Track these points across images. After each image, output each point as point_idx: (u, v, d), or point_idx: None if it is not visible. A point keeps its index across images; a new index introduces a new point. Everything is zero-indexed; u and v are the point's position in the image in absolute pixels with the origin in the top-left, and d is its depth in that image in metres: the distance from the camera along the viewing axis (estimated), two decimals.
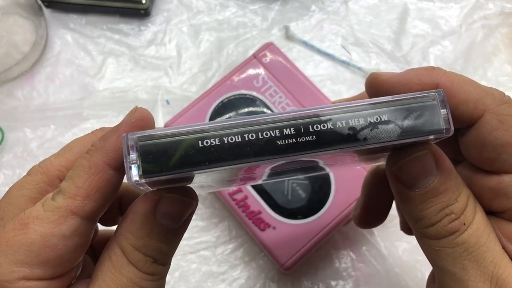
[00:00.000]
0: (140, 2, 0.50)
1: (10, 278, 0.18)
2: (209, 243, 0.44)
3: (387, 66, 0.50)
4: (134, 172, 0.17)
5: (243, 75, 0.44)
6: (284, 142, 0.18)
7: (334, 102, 0.28)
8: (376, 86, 0.21)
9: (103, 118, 0.49)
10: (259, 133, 0.18)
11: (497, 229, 0.20)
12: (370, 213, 0.30)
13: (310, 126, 0.18)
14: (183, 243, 0.44)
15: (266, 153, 0.18)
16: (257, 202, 0.40)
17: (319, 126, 0.18)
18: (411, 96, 0.19)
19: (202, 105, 0.43)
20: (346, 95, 0.49)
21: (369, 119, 0.18)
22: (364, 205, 0.30)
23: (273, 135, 0.18)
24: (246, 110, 0.43)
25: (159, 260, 0.20)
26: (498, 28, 0.51)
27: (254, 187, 0.40)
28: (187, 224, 0.21)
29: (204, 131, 0.17)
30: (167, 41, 0.52)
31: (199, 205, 0.45)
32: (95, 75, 0.51)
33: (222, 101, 0.43)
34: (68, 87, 0.50)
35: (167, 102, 0.49)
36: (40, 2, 0.51)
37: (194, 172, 0.18)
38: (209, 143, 0.17)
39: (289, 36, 0.51)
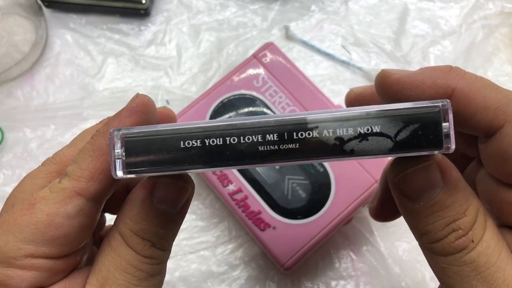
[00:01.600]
0: (140, 2, 0.50)
1: (17, 255, 0.19)
2: (209, 243, 0.44)
3: (387, 66, 0.50)
4: (118, 167, 0.18)
5: (243, 75, 0.44)
6: (265, 149, 0.17)
7: (350, 90, 0.26)
8: (386, 86, 0.20)
9: (103, 118, 0.49)
10: (241, 137, 0.17)
11: None
12: (387, 206, 0.28)
13: (294, 133, 0.17)
14: (183, 243, 0.44)
15: (246, 158, 0.17)
16: (257, 202, 0.40)
17: (304, 133, 0.17)
18: (410, 106, 0.17)
19: (202, 105, 0.43)
20: None
21: (359, 129, 0.16)
22: (382, 197, 0.28)
23: (255, 140, 0.17)
24: (246, 110, 0.43)
25: (158, 244, 0.21)
26: (498, 28, 0.50)
27: (254, 187, 0.40)
28: (185, 211, 0.22)
29: (186, 131, 0.17)
30: (167, 41, 0.52)
31: (199, 205, 0.45)
32: (95, 75, 0.51)
33: (222, 101, 0.43)
34: (68, 87, 0.50)
35: (167, 102, 0.49)
36: (40, 2, 0.51)
37: (174, 171, 0.18)
38: (190, 144, 0.17)
39: (289, 36, 0.51)
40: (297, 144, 0.17)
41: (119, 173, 0.18)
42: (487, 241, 0.18)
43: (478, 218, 0.19)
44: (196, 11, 0.53)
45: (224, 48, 0.51)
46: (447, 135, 0.16)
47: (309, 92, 0.43)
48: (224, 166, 0.17)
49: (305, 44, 0.51)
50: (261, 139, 0.17)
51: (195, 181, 0.45)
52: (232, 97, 0.43)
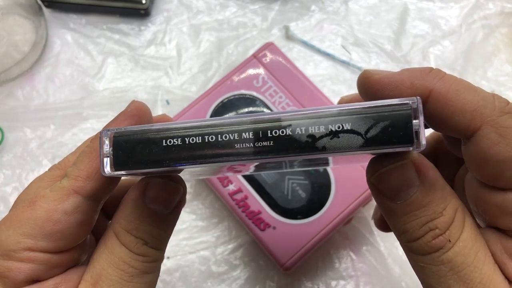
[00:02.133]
0: (140, 2, 0.50)
1: (16, 248, 0.20)
2: (209, 243, 0.44)
3: (387, 66, 0.50)
4: (106, 165, 0.19)
5: (243, 75, 0.44)
6: (241, 146, 0.17)
7: (341, 99, 0.27)
8: (367, 86, 0.20)
9: (103, 118, 0.49)
10: (219, 136, 0.18)
11: (500, 244, 0.19)
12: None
13: (268, 131, 0.17)
14: (183, 243, 0.44)
15: (223, 156, 0.18)
16: (257, 202, 0.40)
17: (277, 131, 0.17)
18: (381, 104, 0.17)
19: (202, 105, 0.43)
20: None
21: (330, 127, 0.17)
22: None
23: (232, 138, 0.18)
24: (246, 110, 0.43)
25: (150, 243, 0.22)
26: (498, 28, 0.51)
27: (254, 187, 0.40)
28: (177, 212, 0.23)
29: (168, 130, 0.18)
30: (167, 41, 0.52)
31: (199, 205, 0.45)
32: (95, 75, 0.51)
33: (222, 101, 0.43)
34: (68, 87, 0.50)
35: (167, 102, 0.49)
36: (40, 2, 0.51)
37: (159, 169, 0.18)
38: (172, 143, 0.18)
39: (289, 36, 0.51)
40: (271, 142, 0.17)
41: (107, 171, 0.19)
42: (464, 241, 0.18)
43: (456, 218, 0.19)
44: (196, 11, 0.53)
45: (224, 48, 0.51)
46: (418, 132, 0.17)
47: (309, 92, 0.43)
48: (203, 163, 0.18)
49: (305, 44, 0.51)
50: (237, 137, 0.18)
51: (195, 181, 0.45)
52: (232, 97, 0.43)
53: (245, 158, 0.18)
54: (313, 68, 0.50)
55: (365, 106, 0.17)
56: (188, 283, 0.43)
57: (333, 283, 0.42)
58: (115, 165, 0.19)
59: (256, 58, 0.44)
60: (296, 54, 0.51)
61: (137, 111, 0.21)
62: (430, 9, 0.52)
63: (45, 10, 0.53)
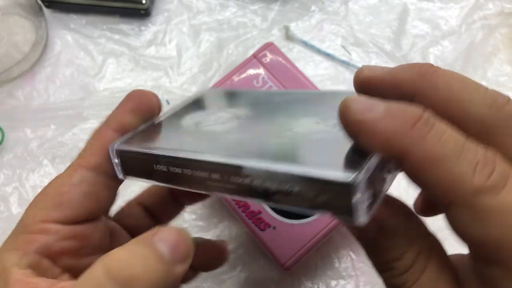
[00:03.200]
0: (140, 2, 0.50)
1: (32, 221, 0.22)
2: None
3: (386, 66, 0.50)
4: (119, 172, 0.24)
5: (243, 75, 0.44)
6: (211, 184, 0.20)
7: (361, 71, 0.27)
8: (358, 82, 0.21)
9: (104, 118, 0.49)
10: (194, 171, 0.20)
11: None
12: (431, 200, 0.26)
13: (231, 177, 0.19)
14: None
15: (198, 187, 0.21)
16: None
17: (239, 178, 0.19)
18: (324, 177, 0.16)
19: None
20: None
21: (282, 185, 0.18)
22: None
23: (203, 176, 0.20)
24: None
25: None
26: (498, 28, 0.51)
27: None
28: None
29: (157, 158, 0.22)
30: (167, 41, 0.52)
31: (199, 205, 0.45)
32: (95, 75, 0.51)
33: None
34: (68, 87, 0.50)
35: (167, 102, 0.49)
36: (40, 2, 0.51)
37: (157, 183, 0.22)
38: (160, 168, 0.22)
39: (289, 36, 0.51)
40: (235, 185, 0.19)
41: (120, 176, 0.23)
42: (421, 285, 0.19)
43: (416, 262, 0.19)
44: (196, 11, 0.53)
45: (224, 48, 0.51)
46: (357, 208, 0.16)
47: None
48: (184, 188, 0.21)
49: (305, 44, 0.51)
50: (208, 175, 0.20)
51: None
52: None
53: (214, 193, 0.20)
54: (313, 68, 0.50)
55: (313, 174, 0.17)
56: (188, 283, 0.43)
57: (333, 283, 0.43)
58: (125, 173, 0.23)
59: (256, 58, 0.44)
60: (296, 54, 0.51)
61: (139, 104, 0.25)
62: (430, 9, 0.52)
63: (45, 10, 0.53)
